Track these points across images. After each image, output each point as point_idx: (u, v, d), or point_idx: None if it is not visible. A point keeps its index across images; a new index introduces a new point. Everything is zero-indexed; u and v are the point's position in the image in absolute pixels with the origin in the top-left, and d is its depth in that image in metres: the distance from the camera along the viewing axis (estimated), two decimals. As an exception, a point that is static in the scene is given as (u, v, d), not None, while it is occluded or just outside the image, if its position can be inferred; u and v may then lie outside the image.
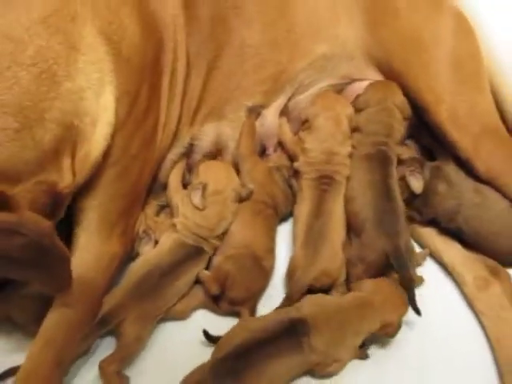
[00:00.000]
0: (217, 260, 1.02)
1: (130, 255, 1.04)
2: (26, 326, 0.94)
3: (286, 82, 1.21)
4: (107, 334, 0.96)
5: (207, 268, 1.03)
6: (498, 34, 1.24)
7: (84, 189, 0.91)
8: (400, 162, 1.12)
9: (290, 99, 1.24)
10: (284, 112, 1.24)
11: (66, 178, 0.83)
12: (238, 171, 1.16)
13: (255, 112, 1.19)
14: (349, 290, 1.02)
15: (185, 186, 1.12)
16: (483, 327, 1.01)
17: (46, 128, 0.80)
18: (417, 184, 1.07)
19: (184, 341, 0.98)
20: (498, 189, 1.08)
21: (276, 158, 1.21)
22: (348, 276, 1.04)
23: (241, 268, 1.00)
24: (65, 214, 0.88)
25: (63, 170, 0.83)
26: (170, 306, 0.99)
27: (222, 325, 0.97)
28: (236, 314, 1.00)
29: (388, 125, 1.14)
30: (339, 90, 1.26)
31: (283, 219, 1.16)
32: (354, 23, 1.22)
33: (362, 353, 0.95)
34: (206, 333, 0.94)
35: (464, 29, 1.22)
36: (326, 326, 0.91)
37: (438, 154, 1.16)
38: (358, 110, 1.19)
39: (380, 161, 1.10)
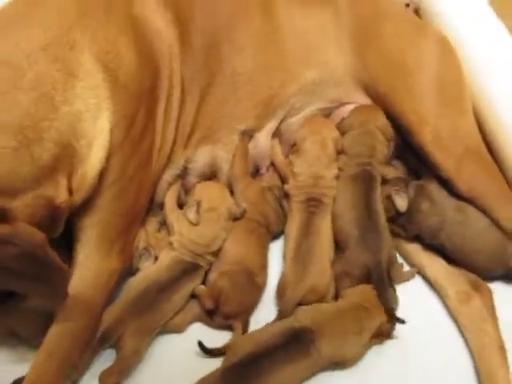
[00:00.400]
0: (212, 276, 1.06)
1: (130, 271, 1.08)
2: (29, 338, 0.98)
3: (277, 107, 1.26)
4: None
5: (203, 282, 1.07)
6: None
7: (83, 207, 0.95)
8: (386, 181, 1.16)
9: (281, 122, 1.29)
10: (276, 134, 1.29)
11: (62, 194, 0.87)
12: (232, 192, 1.20)
13: (248, 135, 1.23)
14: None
15: (180, 206, 1.16)
16: (465, 339, 1.05)
17: (43, 147, 0.84)
18: (401, 202, 1.12)
19: (180, 353, 1.02)
20: (479, 207, 1.11)
21: (268, 177, 1.25)
22: (336, 290, 1.07)
23: (234, 284, 1.03)
24: (65, 232, 0.92)
25: (60, 187, 0.87)
26: (167, 320, 1.02)
27: (216, 338, 1.02)
28: (230, 328, 1.03)
29: (371, 146, 1.19)
30: (328, 113, 1.31)
31: (275, 237, 1.20)
32: (342, 49, 1.27)
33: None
34: (201, 344, 0.98)
35: (447, 53, 1.28)
36: (329, 330, 0.96)
37: (423, 173, 1.20)
38: (342, 133, 1.24)
39: (365, 180, 1.14)
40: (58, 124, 0.87)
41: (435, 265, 1.13)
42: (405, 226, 1.14)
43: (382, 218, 1.11)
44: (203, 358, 0.99)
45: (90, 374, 0.97)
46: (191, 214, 1.09)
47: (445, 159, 1.14)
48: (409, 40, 1.26)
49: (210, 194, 1.14)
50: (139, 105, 1.02)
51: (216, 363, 0.95)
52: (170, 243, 1.08)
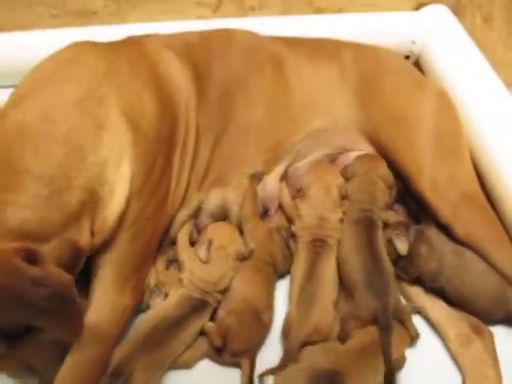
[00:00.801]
0: (220, 314, 1.10)
1: (141, 308, 1.12)
2: (43, 372, 1.00)
3: (284, 152, 1.32)
4: None
5: (211, 319, 1.11)
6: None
7: (101, 247, 1.01)
8: (387, 225, 1.21)
9: (289, 166, 1.35)
10: (283, 177, 1.35)
11: (85, 237, 0.94)
12: (241, 232, 1.25)
13: (257, 178, 1.30)
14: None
15: (192, 244, 1.21)
16: (465, 381, 1.06)
17: (72, 194, 0.92)
18: (402, 246, 1.15)
19: (188, 388, 1.05)
20: (476, 252, 1.14)
21: (277, 219, 1.30)
22: (342, 331, 1.09)
23: (241, 322, 1.07)
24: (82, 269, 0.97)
25: (84, 230, 0.94)
26: (177, 356, 1.05)
27: (224, 374, 1.06)
28: (237, 365, 1.06)
29: (372, 194, 1.24)
30: (333, 159, 1.37)
31: (282, 276, 1.23)
32: (347, 101, 1.34)
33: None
34: None
35: (445, 105, 1.35)
36: (355, 371, 0.99)
37: (422, 218, 1.24)
38: (346, 180, 1.30)
39: (366, 225, 1.18)
40: (86, 173, 0.94)
41: (436, 307, 1.15)
42: (406, 268, 1.18)
43: (387, 263, 1.14)
44: (210, 394, 1.02)
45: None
46: (202, 252, 1.14)
47: (442, 206, 1.18)
48: (408, 93, 1.33)
49: (221, 234, 1.20)
50: (158, 152, 1.09)
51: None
52: (180, 280, 1.13)
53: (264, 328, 1.11)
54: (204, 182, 1.25)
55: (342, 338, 1.08)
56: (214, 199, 1.26)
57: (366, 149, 1.35)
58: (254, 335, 1.09)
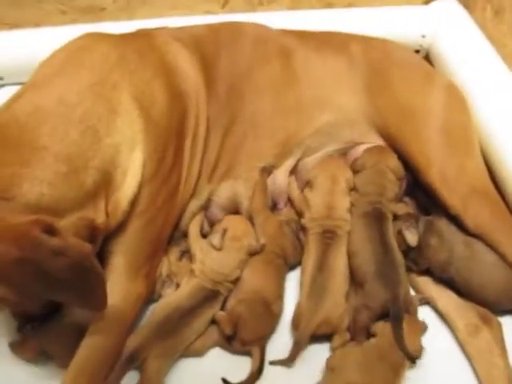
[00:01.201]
0: (230, 303, 1.12)
1: (153, 298, 1.14)
2: (60, 358, 1.03)
3: (294, 146, 1.33)
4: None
5: (222, 309, 1.12)
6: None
7: (115, 235, 1.03)
8: (397, 217, 1.21)
9: (299, 160, 1.36)
10: (293, 171, 1.36)
11: (101, 216, 0.96)
12: (251, 225, 1.25)
13: (267, 172, 1.31)
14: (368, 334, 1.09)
15: (203, 236, 1.23)
16: (474, 370, 1.07)
17: (88, 173, 0.94)
18: (412, 237, 1.16)
19: (200, 376, 1.07)
20: (486, 243, 1.15)
21: (286, 212, 1.31)
22: (355, 322, 1.10)
23: (251, 311, 1.08)
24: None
25: (99, 210, 0.96)
26: (189, 344, 1.07)
27: (234, 363, 1.08)
28: (248, 353, 1.08)
29: (381, 185, 1.24)
30: (344, 153, 1.38)
31: (292, 268, 1.25)
32: (356, 94, 1.35)
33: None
34: (225, 381, 1.02)
35: (455, 98, 1.35)
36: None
37: (432, 209, 1.25)
38: (355, 172, 1.30)
39: (376, 218, 1.20)
40: (101, 154, 0.97)
41: (445, 297, 1.17)
42: (415, 259, 1.19)
43: (398, 254, 1.16)
44: (221, 381, 1.03)
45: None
46: (216, 239, 1.16)
47: (451, 198, 1.19)
48: (417, 86, 1.33)
49: (236, 225, 1.22)
50: (169, 141, 1.11)
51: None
52: (192, 271, 1.14)
53: (274, 318, 1.13)
54: (214, 173, 1.27)
55: (344, 337, 1.09)
56: (224, 191, 1.27)
57: (376, 141, 1.36)
58: (264, 325, 1.10)
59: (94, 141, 0.96)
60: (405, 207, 1.26)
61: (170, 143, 1.12)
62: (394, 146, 1.32)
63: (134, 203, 1.03)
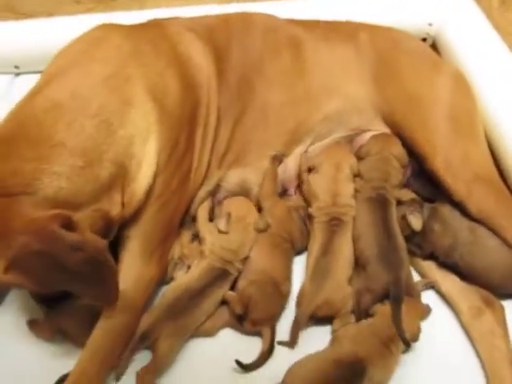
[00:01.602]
0: (240, 284, 1.15)
1: (165, 280, 1.18)
2: (76, 337, 1.08)
3: (303, 134, 1.36)
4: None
5: (231, 289, 1.16)
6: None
7: (130, 220, 1.07)
8: (402, 203, 1.24)
9: (309, 147, 1.38)
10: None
11: (116, 208, 1.00)
12: (259, 210, 1.29)
13: (278, 160, 1.34)
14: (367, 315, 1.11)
15: (211, 219, 1.27)
16: (476, 352, 1.10)
17: (103, 166, 0.97)
18: (416, 222, 1.19)
19: (210, 355, 1.11)
20: (489, 228, 1.18)
21: (295, 199, 1.34)
22: (358, 304, 1.14)
23: (262, 292, 1.12)
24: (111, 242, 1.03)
25: (114, 201, 0.99)
26: (199, 325, 1.11)
27: (244, 343, 1.12)
28: (257, 334, 1.12)
29: (385, 172, 1.27)
30: (350, 140, 1.40)
31: (299, 252, 1.28)
32: (363, 82, 1.37)
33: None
34: (238, 362, 1.06)
35: (461, 87, 1.37)
36: (376, 357, 1.01)
37: (437, 196, 1.27)
38: (360, 159, 1.33)
39: (380, 203, 1.22)
40: (116, 146, 1.00)
41: (449, 281, 1.19)
42: (420, 244, 1.22)
43: (400, 239, 1.18)
44: (231, 360, 1.07)
45: (128, 373, 1.06)
46: (222, 224, 1.20)
47: (455, 184, 1.21)
48: (424, 74, 1.35)
49: (238, 207, 1.26)
50: (181, 130, 1.14)
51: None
52: (202, 252, 1.18)
53: (283, 298, 1.16)
54: (224, 160, 1.30)
55: (346, 320, 1.12)
56: (233, 178, 1.31)
57: (382, 129, 1.38)
58: (274, 305, 1.14)
59: (108, 134, 0.99)
60: (409, 193, 1.28)
61: (182, 132, 1.15)
62: (399, 133, 1.34)
63: (148, 191, 1.06)
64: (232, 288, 1.17)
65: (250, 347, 1.11)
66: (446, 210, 1.22)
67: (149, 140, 1.06)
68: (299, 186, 1.36)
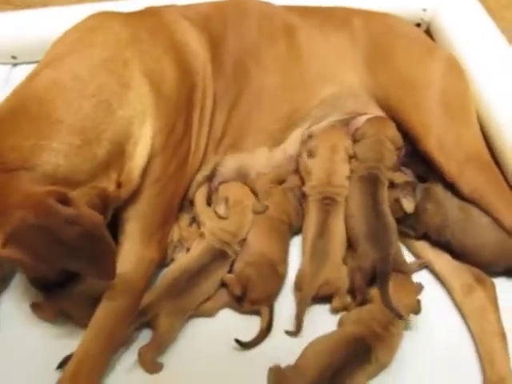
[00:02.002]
0: (238, 265, 1.18)
1: (165, 262, 1.20)
2: (79, 319, 1.11)
3: (299, 119, 1.38)
4: (145, 327, 1.11)
5: (230, 272, 1.19)
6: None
7: (128, 202, 1.09)
8: (395, 185, 1.26)
9: (309, 127, 1.41)
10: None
11: (113, 187, 1.02)
12: (256, 195, 1.31)
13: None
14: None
15: (208, 204, 1.30)
16: (468, 327, 1.14)
17: (101, 145, 0.99)
18: (409, 205, 1.21)
19: (210, 334, 1.14)
20: (481, 208, 1.20)
21: (291, 179, 1.37)
22: (351, 283, 1.16)
23: (260, 273, 1.15)
24: (110, 225, 1.04)
25: (111, 180, 1.02)
26: (199, 305, 1.13)
27: (243, 322, 1.15)
28: (256, 313, 1.15)
29: (380, 153, 1.30)
30: (346, 124, 1.42)
31: (294, 234, 1.31)
32: (358, 67, 1.39)
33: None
34: (237, 341, 1.09)
35: (454, 71, 1.39)
36: (381, 339, 1.04)
37: (430, 177, 1.30)
38: (356, 141, 1.36)
39: (371, 182, 1.25)
40: (114, 126, 1.02)
41: (442, 260, 1.22)
42: (413, 225, 1.24)
43: (390, 218, 1.21)
44: (230, 340, 1.10)
45: (131, 350, 1.10)
46: (221, 210, 1.23)
47: (448, 165, 1.24)
48: (417, 58, 1.37)
49: (234, 191, 1.29)
50: (178, 113, 1.17)
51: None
52: (202, 234, 1.21)
53: (280, 279, 1.19)
54: (220, 145, 1.32)
55: (344, 298, 1.15)
56: (229, 163, 1.33)
57: (377, 113, 1.40)
58: (272, 285, 1.17)
59: (106, 114, 1.01)
60: (403, 176, 1.30)
61: (179, 116, 1.17)
62: (393, 117, 1.36)
63: (146, 173, 1.09)
64: (230, 271, 1.19)
65: (248, 327, 1.14)
66: (439, 190, 1.24)
67: (145, 122, 1.08)
68: (297, 169, 1.38)
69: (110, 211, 1.04)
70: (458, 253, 1.21)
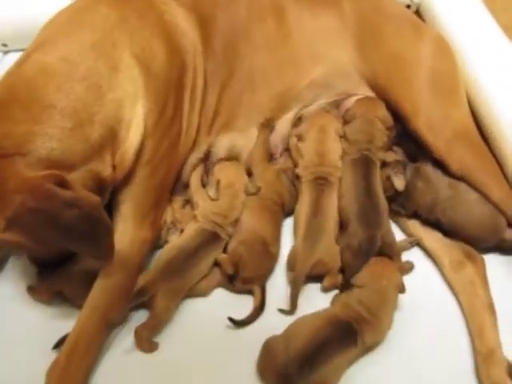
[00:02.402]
0: (231, 245, 1.19)
1: (159, 244, 1.22)
2: (74, 299, 1.12)
3: (290, 100, 1.39)
4: (141, 307, 1.12)
5: (224, 252, 1.19)
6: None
7: (122, 184, 1.10)
8: (386, 164, 1.28)
9: (298, 112, 1.41)
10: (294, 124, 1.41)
11: (107, 169, 1.03)
12: (249, 175, 1.32)
13: (269, 126, 1.37)
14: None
15: (204, 186, 1.30)
16: (458, 302, 1.15)
17: (94, 128, 1.00)
18: (399, 183, 1.23)
19: (204, 313, 1.15)
20: (470, 184, 1.22)
21: (283, 161, 1.37)
22: (341, 262, 1.18)
23: (251, 251, 1.16)
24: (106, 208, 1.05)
25: (105, 163, 1.03)
26: (194, 285, 1.15)
27: (237, 301, 1.16)
28: (249, 292, 1.16)
29: (370, 133, 1.31)
30: (337, 105, 1.43)
31: (286, 215, 1.31)
32: (347, 46, 1.40)
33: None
34: (231, 319, 1.10)
35: (443, 50, 1.40)
36: (368, 321, 1.04)
37: (419, 156, 1.31)
38: (346, 122, 1.37)
39: (363, 164, 1.26)
40: (105, 109, 1.02)
41: (432, 237, 1.24)
42: (404, 204, 1.26)
43: (382, 199, 1.22)
44: (224, 319, 1.11)
45: (127, 329, 1.11)
46: (211, 192, 1.25)
47: (436, 142, 1.25)
48: (406, 38, 1.38)
49: (227, 173, 1.29)
50: (168, 94, 1.17)
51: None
52: (195, 216, 1.22)
53: (272, 258, 1.20)
54: (213, 126, 1.33)
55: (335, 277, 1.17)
56: (222, 143, 1.34)
57: (367, 93, 1.41)
58: (263, 264, 1.18)
59: (97, 97, 1.02)
60: (393, 155, 1.32)
61: (169, 96, 1.18)
62: (383, 96, 1.37)
63: (138, 154, 1.09)
64: (224, 252, 1.20)
65: (241, 305, 1.15)
66: (429, 169, 1.26)
67: (137, 103, 1.09)
68: (287, 149, 1.39)
69: (107, 194, 1.05)
70: (448, 230, 1.22)
